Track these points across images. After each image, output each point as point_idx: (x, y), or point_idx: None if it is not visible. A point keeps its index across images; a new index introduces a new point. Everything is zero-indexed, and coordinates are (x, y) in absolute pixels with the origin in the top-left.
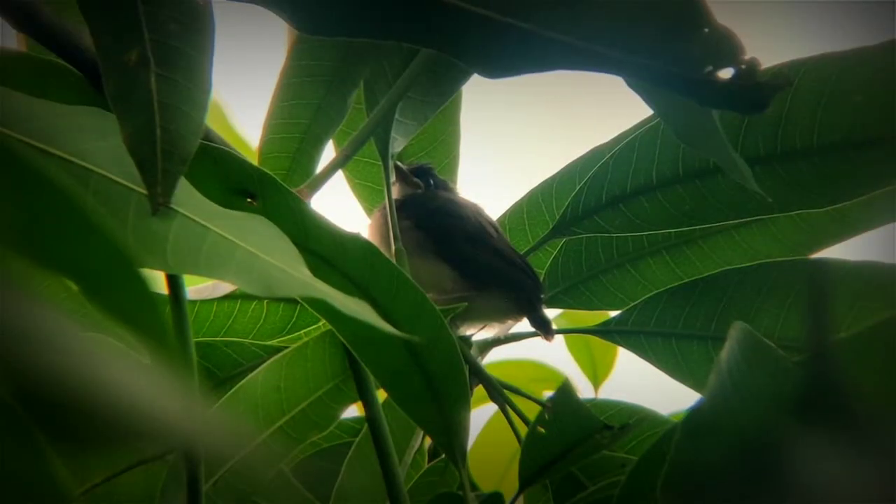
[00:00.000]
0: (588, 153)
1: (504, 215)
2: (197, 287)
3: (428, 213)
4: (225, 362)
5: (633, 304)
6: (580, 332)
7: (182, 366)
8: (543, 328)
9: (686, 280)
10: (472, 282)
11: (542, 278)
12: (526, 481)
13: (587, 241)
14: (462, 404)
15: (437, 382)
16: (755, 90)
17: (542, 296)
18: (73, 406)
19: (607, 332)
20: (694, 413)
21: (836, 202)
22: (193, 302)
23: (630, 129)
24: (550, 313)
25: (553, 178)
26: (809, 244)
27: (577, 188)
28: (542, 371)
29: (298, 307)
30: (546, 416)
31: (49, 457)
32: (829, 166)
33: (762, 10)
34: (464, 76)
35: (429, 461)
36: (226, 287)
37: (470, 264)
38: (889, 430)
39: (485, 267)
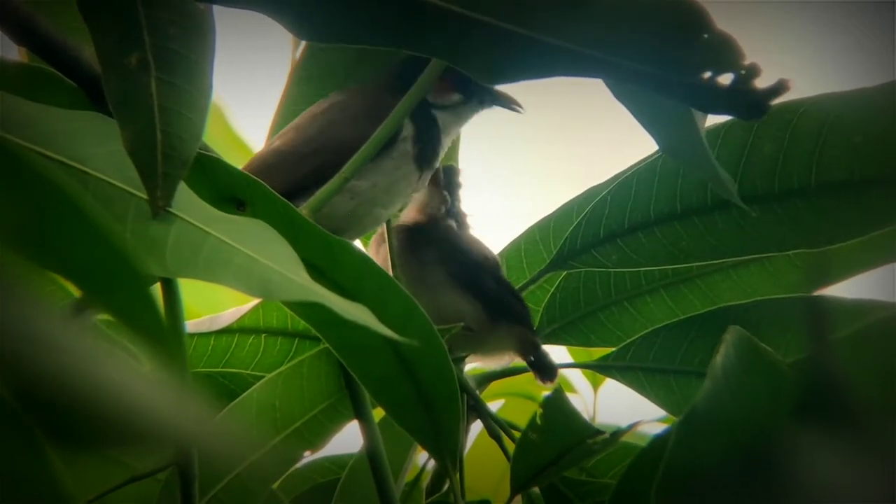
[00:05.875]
0: (585, 192)
1: (501, 253)
2: (195, 321)
3: (450, 245)
4: (222, 393)
5: (630, 340)
6: (578, 366)
7: (177, 367)
8: (546, 373)
9: (683, 317)
10: (492, 317)
11: (539, 314)
12: (518, 487)
13: (585, 278)
14: (452, 410)
15: (427, 388)
16: (755, 95)
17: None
18: (72, 407)
19: (605, 367)
20: (689, 415)
21: (833, 242)
22: (191, 335)
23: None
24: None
25: (550, 216)
26: (807, 285)
27: (575, 223)
28: None
29: (296, 340)
30: (538, 421)
31: (50, 457)
32: (827, 206)
33: (762, 10)
34: None
35: (427, 497)
36: (223, 320)
37: (495, 300)
38: (886, 429)
39: (506, 303)
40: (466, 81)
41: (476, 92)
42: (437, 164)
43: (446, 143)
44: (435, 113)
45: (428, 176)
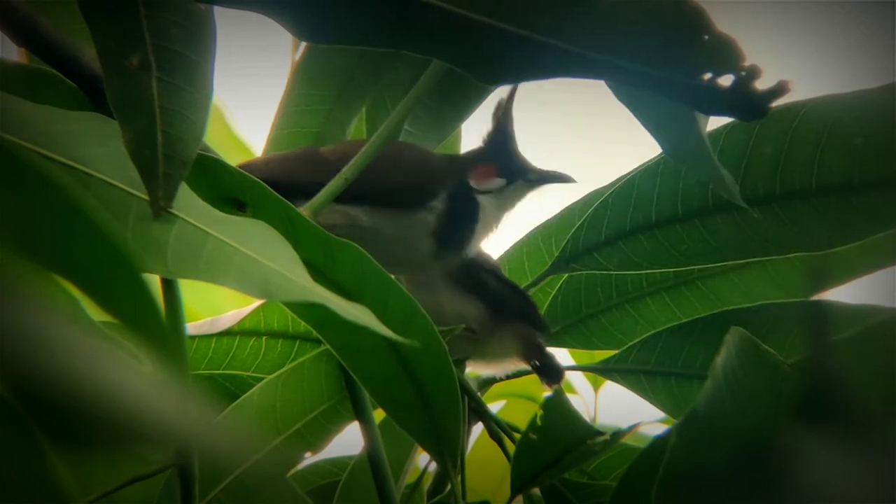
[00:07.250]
0: (587, 195)
1: (503, 255)
2: (195, 323)
3: None
4: (223, 396)
5: (632, 342)
6: (580, 369)
7: (177, 367)
8: (552, 376)
9: (686, 320)
10: (496, 318)
11: None
12: (518, 488)
13: (586, 280)
14: (453, 411)
15: (427, 390)
16: (755, 97)
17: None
18: (72, 406)
19: (607, 370)
20: (690, 416)
21: (834, 245)
22: (192, 337)
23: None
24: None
25: (552, 219)
26: (808, 288)
27: (577, 225)
28: None
29: (297, 342)
30: (538, 422)
31: (50, 457)
32: (828, 209)
33: (762, 11)
34: (466, 110)
35: (429, 499)
36: (224, 322)
37: (498, 300)
38: (886, 430)
39: (510, 303)
40: (508, 163)
41: (519, 173)
42: (470, 251)
43: (486, 229)
44: (477, 197)
45: (451, 260)
